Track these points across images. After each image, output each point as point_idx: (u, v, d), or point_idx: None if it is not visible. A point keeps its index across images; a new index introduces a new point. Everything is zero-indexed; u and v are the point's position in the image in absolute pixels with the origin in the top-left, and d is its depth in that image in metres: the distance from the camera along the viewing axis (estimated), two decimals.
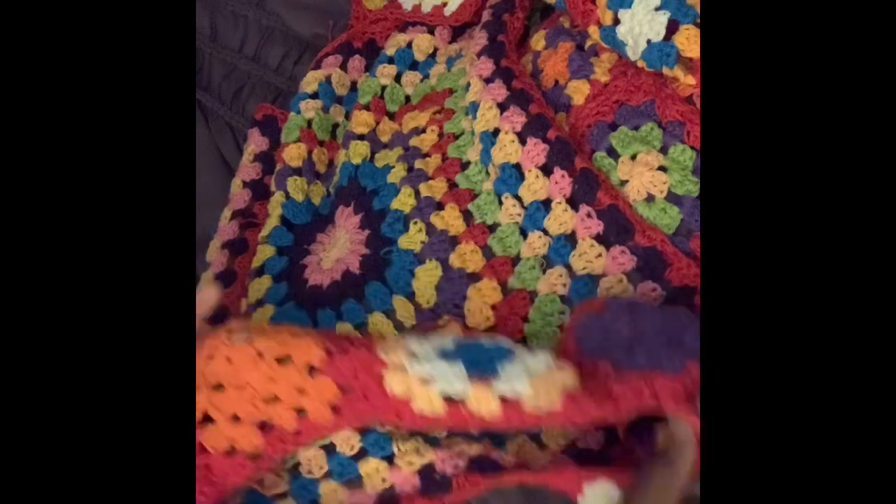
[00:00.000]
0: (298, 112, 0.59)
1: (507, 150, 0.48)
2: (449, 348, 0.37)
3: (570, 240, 0.45)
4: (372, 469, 0.40)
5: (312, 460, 0.41)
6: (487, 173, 0.49)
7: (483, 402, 0.35)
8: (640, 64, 0.46)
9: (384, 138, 0.57)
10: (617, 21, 0.46)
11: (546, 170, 0.46)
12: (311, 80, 0.61)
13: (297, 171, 0.57)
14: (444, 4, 0.62)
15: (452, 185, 0.51)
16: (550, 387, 0.35)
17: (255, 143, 0.61)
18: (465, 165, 0.51)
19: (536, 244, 0.46)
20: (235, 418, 0.38)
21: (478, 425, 0.36)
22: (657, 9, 0.44)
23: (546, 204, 0.46)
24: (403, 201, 0.50)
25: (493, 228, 0.48)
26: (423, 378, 0.36)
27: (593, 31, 0.48)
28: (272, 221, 0.55)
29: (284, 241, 0.54)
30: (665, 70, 0.44)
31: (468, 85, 0.53)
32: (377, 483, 0.41)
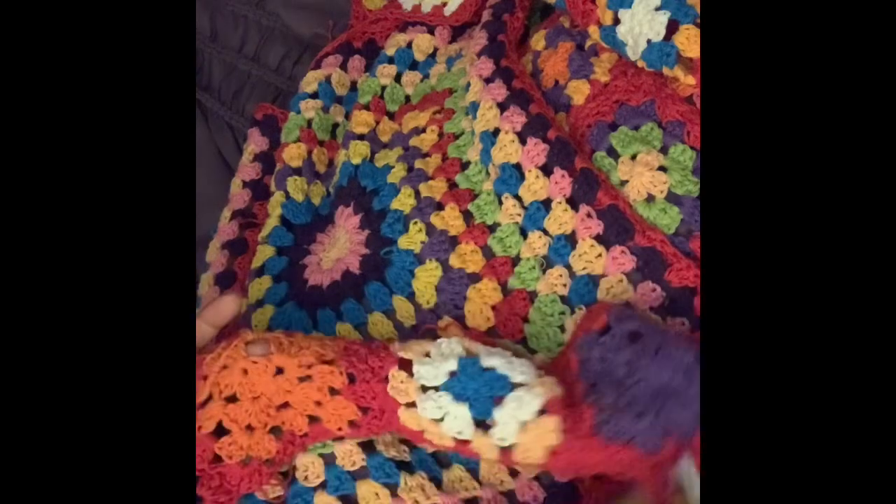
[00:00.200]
0: (298, 112, 0.59)
1: (507, 150, 0.48)
2: (454, 376, 0.38)
3: (570, 240, 0.45)
4: (370, 492, 0.39)
5: (310, 467, 0.40)
6: (487, 173, 0.49)
7: (485, 449, 0.37)
8: (641, 64, 0.46)
9: (384, 138, 0.57)
10: (617, 21, 0.46)
11: (546, 170, 0.46)
12: (311, 80, 0.61)
13: (297, 171, 0.57)
14: (444, 4, 0.62)
15: (452, 185, 0.51)
16: (536, 442, 0.36)
17: (255, 142, 0.61)
18: (465, 165, 0.51)
19: (536, 244, 0.46)
20: (250, 428, 0.38)
21: (476, 456, 0.38)
22: (657, 9, 0.44)
23: (546, 204, 0.46)
24: (403, 201, 0.50)
25: (493, 228, 0.48)
26: (433, 418, 0.38)
27: (593, 30, 0.48)
28: (272, 221, 0.55)
29: (284, 241, 0.54)
30: (665, 70, 0.44)
31: (468, 85, 0.53)
32: None
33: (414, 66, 0.61)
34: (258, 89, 0.68)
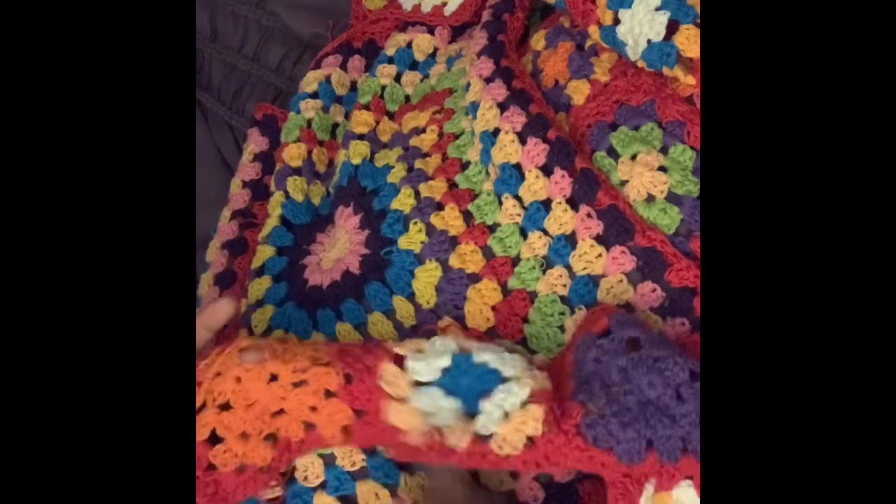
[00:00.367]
0: (298, 112, 0.59)
1: (507, 150, 0.48)
2: (447, 372, 0.37)
3: (570, 240, 0.45)
4: (370, 492, 0.39)
5: (309, 467, 0.40)
6: (487, 173, 0.49)
7: (455, 435, 0.36)
8: (641, 64, 0.46)
9: (384, 138, 0.57)
10: (617, 21, 0.46)
11: (546, 170, 0.46)
12: (310, 80, 0.61)
13: (297, 171, 0.57)
14: (444, 4, 0.62)
15: (452, 185, 0.51)
16: (517, 432, 0.36)
17: (255, 142, 0.61)
18: (465, 165, 0.51)
19: (536, 244, 0.46)
20: (244, 435, 0.38)
21: (445, 458, 0.37)
22: (657, 9, 0.44)
23: (546, 204, 0.46)
24: (403, 201, 0.50)
25: (493, 229, 0.48)
26: (425, 411, 0.37)
27: (593, 30, 0.48)
28: (272, 221, 0.55)
29: (284, 241, 0.54)
30: (665, 70, 0.44)
31: (468, 85, 0.52)
32: None
33: (414, 66, 0.61)
34: (258, 89, 0.68)
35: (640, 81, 0.47)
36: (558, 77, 0.51)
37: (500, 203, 0.48)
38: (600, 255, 0.44)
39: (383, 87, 0.59)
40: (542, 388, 0.37)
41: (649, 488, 0.36)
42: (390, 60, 0.60)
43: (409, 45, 0.61)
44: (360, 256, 0.50)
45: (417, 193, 0.51)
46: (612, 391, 0.36)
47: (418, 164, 0.52)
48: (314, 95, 0.60)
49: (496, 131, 0.49)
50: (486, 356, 0.38)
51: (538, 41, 0.54)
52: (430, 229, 0.49)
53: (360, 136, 0.56)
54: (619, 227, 0.43)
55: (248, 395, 0.38)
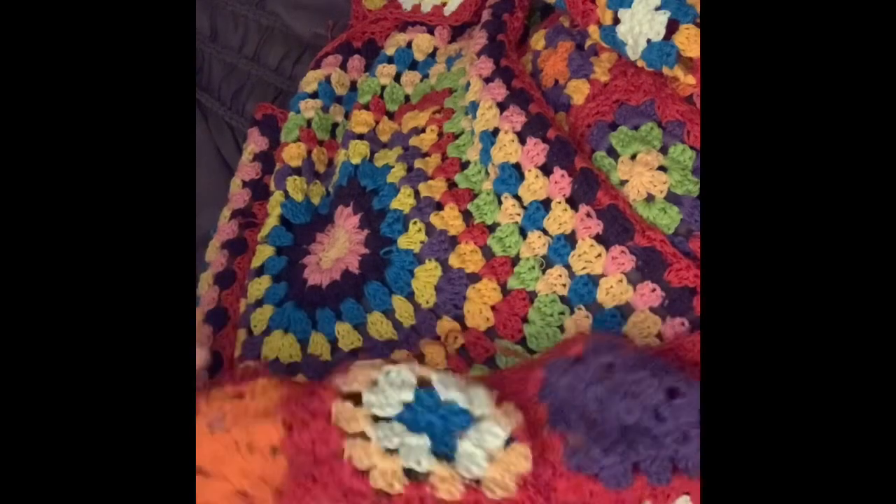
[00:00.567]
0: (298, 111, 0.59)
1: (507, 149, 0.48)
2: (408, 407, 0.35)
3: (570, 240, 0.45)
4: None
5: None
6: (487, 173, 0.49)
7: (446, 484, 0.34)
8: (640, 63, 0.46)
9: (384, 138, 0.57)
10: (617, 20, 0.46)
11: (546, 169, 0.46)
12: (310, 80, 0.61)
13: (297, 171, 0.57)
14: (444, 4, 0.61)
15: (452, 184, 0.51)
16: (506, 472, 0.35)
17: (255, 142, 0.61)
18: (464, 165, 0.51)
19: (536, 244, 0.46)
20: None
21: None
22: (657, 8, 0.44)
23: (546, 204, 0.46)
24: (403, 201, 0.50)
25: (492, 228, 0.48)
26: (388, 448, 0.34)
27: (593, 30, 0.48)
28: (271, 221, 0.55)
29: (284, 241, 0.54)
30: (665, 70, 0.44)
31: (468, 84, 0.52)
32: None
33: (413, 65, 0.61)
34: (258, 89, 0.68)
35: (640, 81, 0.47)
36: (558, 77, 0.51)
37: (500, 203, 0.48)
38: (600, 255, 0.44)
39: (383, 87, 0.59)
40: (517, 425, 0.36)
41: None
42: (390, 60, 0.60)
43: (409, 44, 0.61)
44: (359, 256, 0.50)
45: (417, 193, 0.51)
46: (591, 420, 0.36)
47: (418, 163, 0.52)
48: (314, 95, 0.60)
49: (496, 131, 0.49)
50: (452, 393, 0.36)
51: (538, 41, 0.54)
52: (429, 229, 0.49)
53: (360, 136, 0.56)
54: (618, 226, 0.43)
55: (219, 468, 0.35)
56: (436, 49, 0.61)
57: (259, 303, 0.51)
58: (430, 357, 0.47)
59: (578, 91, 0.49)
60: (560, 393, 0.37)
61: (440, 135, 0.54)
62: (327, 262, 0.52)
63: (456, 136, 0.53)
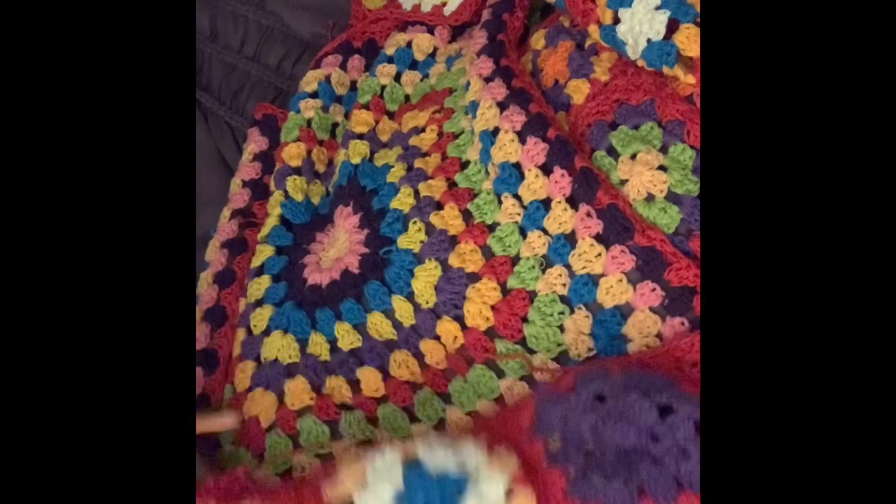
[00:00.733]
0: (298, 111, 0.59)
1: (507, 149, 0.48)
2: (400, 496, 0.35)
3: (570, 239, 0.45)
4: None
5: (307, 468, 0.40)
6: (487, 173, 0.49)
7: None
8: (640, 63, 0.46)
9: (384, 138, 0.57)
10: (617, 20, 0.46)
11: (546, 169, 0.46)
12: (310, 80, 0.61)
13: (297, 171, 0.57)
14: (444, 4, 0.61)
15: (452, 184, 0.51)
16: None
17: (255, 142, 0.61)
18: (464, 165, 0.51)
19: (536, 244, 0.46)
20: None
21: None
22: (657, 8, 0.44)
23: (546, 203, 0.46)
24: (403, 201, 0.50)
25: (492, 228, 0.48)
26: None
27: (593, 30, 0.48)
28: (271, 221, 0.55)
29: (284, 240, 0.54)
30: (665, 69, 0.44)
31: (468, 84, 0.52)
32: None
33: (414, 65, 0.61)
34: (258, 89, 0.68)
35: (640, 80, 0.47)
36: (558, 76, 0.51)
37: (500, 202, 0.48)
38: (600, 255, 0.44)
39: (383, 87, 0.59)
40: (512, 471, 0.36)
41: None
42: (390, 60, 0.60)
43: (409, 44, 0.61)
44: (359, 256, 0.50)
45: (417, 193, 0.50)
46: (588, 449, 0.36)
47: (418, 163, 0.52)
48: (314, 95, 0.60)
49: (496, 130, 0.48)
50: (440, 460, 0.35)
51: (538, 40, 0.54)
52: (429, 228, 0.49)
53: (360, 136, 0.56)
54: (618, 226, 0.43)
55: None
56: (436, 49, 0.61)
57: (259, 303, 0.51)
58: (431, 357, 0.47)
59: (578, 90, 0.49)
60: (555, 425, 0.37)
61: (440, 134, 0.54)
62: (327, 262, 0.52)
63: (456, 136, 0.53)
